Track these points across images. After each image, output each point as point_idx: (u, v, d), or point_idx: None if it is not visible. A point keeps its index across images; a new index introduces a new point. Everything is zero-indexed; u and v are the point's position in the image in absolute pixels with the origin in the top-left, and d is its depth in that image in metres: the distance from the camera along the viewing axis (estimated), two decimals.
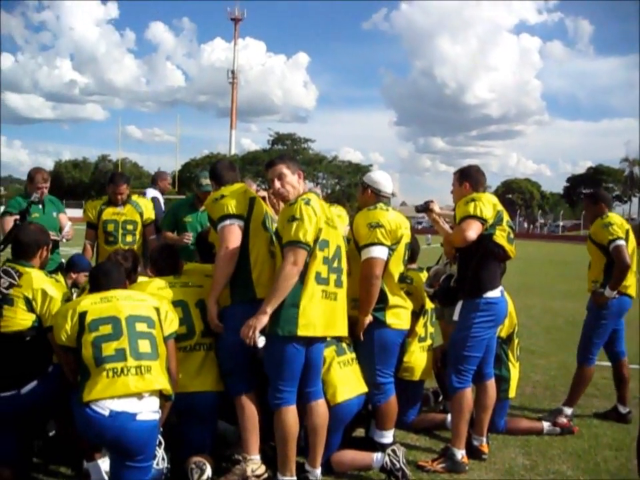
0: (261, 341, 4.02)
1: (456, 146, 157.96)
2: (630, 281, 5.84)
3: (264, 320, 4.01)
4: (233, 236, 4.25)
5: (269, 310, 4.01)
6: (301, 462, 4.44)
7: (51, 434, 4.72)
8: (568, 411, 5.95)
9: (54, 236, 6.26)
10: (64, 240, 6.50)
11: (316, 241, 4.10)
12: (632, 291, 5.91)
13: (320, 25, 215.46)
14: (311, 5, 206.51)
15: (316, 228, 4.09)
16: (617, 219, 5.87)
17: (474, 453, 4.95)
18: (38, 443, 4.60)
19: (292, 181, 4.33)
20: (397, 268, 4.76)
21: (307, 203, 4.14)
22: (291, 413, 4.20)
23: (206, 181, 6.40)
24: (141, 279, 4.87)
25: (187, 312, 4.44)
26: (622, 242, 5.69)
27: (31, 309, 4.16)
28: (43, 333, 4.15)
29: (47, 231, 4.66)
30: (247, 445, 4.35)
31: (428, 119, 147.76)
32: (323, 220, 4.17)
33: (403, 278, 4.89)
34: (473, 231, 4.62)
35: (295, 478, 4.24)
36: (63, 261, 6.42)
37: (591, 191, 6.21)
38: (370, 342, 4.71)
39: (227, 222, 4.27)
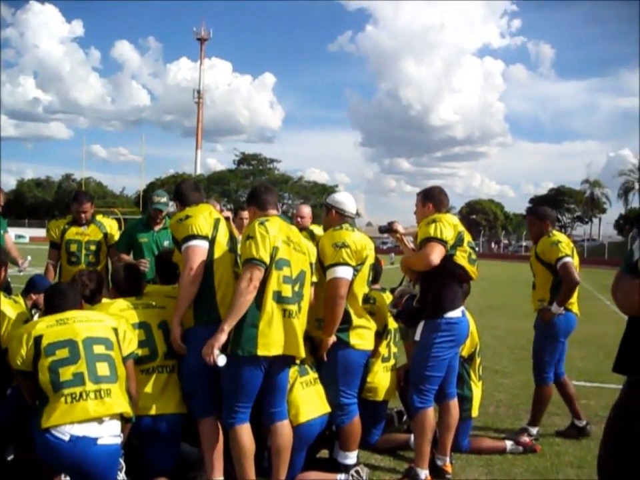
0: (221, 360, 4.00)
1: (421, 167, 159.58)
2: (574, 298, 5.89)
3: (222, 338, 4.01)
4: (197, 257, 4.23)
5: (227, 328, 4.01)
6: None
7: (9, 458, 4.62)
8: (533, 430, 5.98)
9: (22, 262, 6.26)
10: (21, 272, 6.43)
11: (272, 259, 4.11)
12: (576, 309, 5.97)
13: (286, 46, 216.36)
14: (278, 26, 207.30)
15: (269, 246, 4.10)
16: (563, 238, 5.92)
17: (437, 472, 4.94)
18: None
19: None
20: (361, 288, 4.77)
21: (261, 223, 4.20)
22: (245, 431, 4.20)
23: (158, 199, 6.41)
24: (103, 300, 4.82)
25: (150, 334, 4.39)
26: (570, 259, 5.74)
27: None
28: (1, 355, 4.07)
29: (5, 251, 4.59)
30: (211, 468, 4.31)
31: (393, 140, 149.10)
32: (279, 239, 4.18)
33: (366, 298, 4.90)
34: (436, 255, 4.64)
35: None
36: (9, 280, 6.32)
37: (535, 208, 6.21)
38: (334, 362, 4.70)
39: (192, 243, 4.24)
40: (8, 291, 5.79)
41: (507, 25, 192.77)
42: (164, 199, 6.47)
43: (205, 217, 4.35)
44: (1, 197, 6.45)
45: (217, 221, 4.41)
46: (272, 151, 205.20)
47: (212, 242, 4.31)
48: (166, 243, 6.36)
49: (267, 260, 4.09)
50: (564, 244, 5.80)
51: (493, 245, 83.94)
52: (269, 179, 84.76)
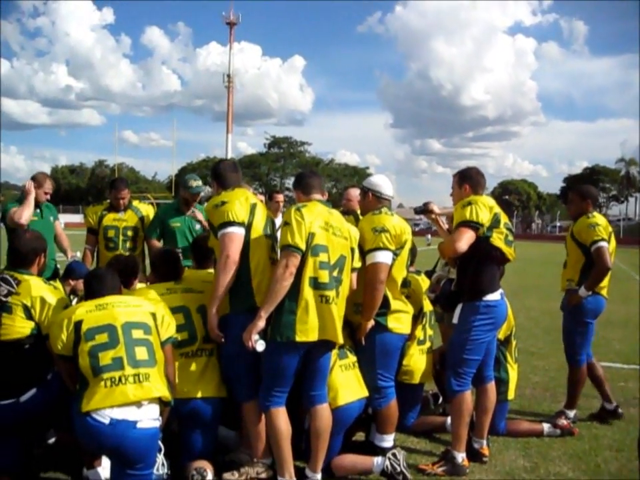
0: (260, 345, 4.04)
1: (452, 147, 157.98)
2: (605, 281, 5.81)
3: (260, 324, 4.04)
4: (234, 244, 4.23)
5: (264, 314, 4.04)
6: (301, 467, 4.45)
7: (50, 442, 4.70)
8: (570, 413, 5.94)
9: (72, 256, 6.36)
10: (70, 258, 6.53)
11: (308, 246, 4.11)
12: (605, 292, 5.88)
13: (315, 28, 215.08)
14: (306, 9, 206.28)
15: (305, 232, 4.10)
16: (602, 220, 5.82)
17: (474, 455, 4.94)
18: (38, 451, 4.59)
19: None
20: (400, 273, 4.77)
21: (298, 209, 4.20)
22: (281, 414, 4.24)
23: (196, 183, 6.44)
24: (139, 285, 4.87)
25: (189, 318, 4.42)
26: (605, 244, 5.66)
27: (29, 316, 4.16)
28: (42, 341, 4.14)
29: (43, 237, 4.65)
30: (255, 449, 4.40)
31: (424, 120, 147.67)
32: (316, 225, 4.18)
33: (404, 282, 4.89)
34: (464, 242, 4.61)
35: None
36: (59, 266, 6.43)
37: (579, 186, 6.10)
38: (372, 346, 4.71)
39: (228, 229, 4.24)
40: (56, 276, 5.92)
41: (538, 2, 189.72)
42: (200, 183, 6.52)
43: (241, 202, 4.34)
44: (49, 184, 6.52)
45: (253, 206, 4.39)
46: (302, 134, 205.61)
47: (248, 228, 4.31)
48: (198, 227, 6.40)
49: (303, 246, 4.09)
50: (601, 227, 5.71)
51: (529, 226, 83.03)
52: (300, 161, 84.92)
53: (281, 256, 4.11)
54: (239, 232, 4.26)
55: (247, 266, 4.29)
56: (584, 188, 6.25)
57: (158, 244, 6.46)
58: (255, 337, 4.02)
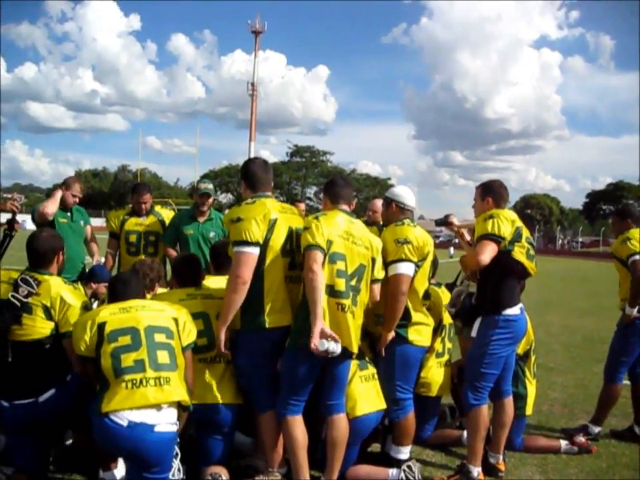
0: (323, 345, 3.98)
1: (475, 160, 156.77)
2: None
3: (319, 325, 3.99)
4: (246, 265, 4.14)
5: (316, 316, 3.99)
6: (316, 476, 4.45)
7: (67, 443, 4.74)
8: (595, 429, 5.90)
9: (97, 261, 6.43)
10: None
11: (325, 252, 4.12)
12: None
13: (340, 38, 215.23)
14: (331, 19, 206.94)
15: (323, 237, 4.11)
16: (636, 234, 5.77)
17: (490, 470, 4.91)
18: (55, 451, 4.61)
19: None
20: (421, 285, 4.77)
21: (316, 218, 4.22)
22: (297, 422, 4.25)
23: (205, 185, 6.51)
24: (160, 290, 4.90)
25: (208, 324, 4.42)
26: (638, 256, 5.62)
27: (49, 316, 4.21)
28: (60, 339, 4.19)
29: (60, 235, 4.68)
30: (270, 459, 4.40)
31: (447, 132, 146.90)
32: (334, 234, 4.18)
33: (426, 294, 4.89)
34: (487, 255, 4.59)
35: None
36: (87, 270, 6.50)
37: (618, 206, 6.06)
38: (391, 358, 4.71)
39: (242, 249, 4.15)
40: (82, 277, 5.97)
41: (564, 15, 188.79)
42: (210, 186, 6.58)
43: (259, 220, 4.20)
44: (78, 187, 6.54)
45: (273, 222, 4.25)
46: (325, 143, 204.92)
47: (265, 246, 4.22)
48: (211, 234, 6.45)
49: (324, 245, 4.09)
50: (634, 240, 5.69)
51: (550, 241, 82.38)
52: (322, 171, 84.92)
53: (305, 258, 4.11)
54: (253, 252, 4.16)
55: (261, 285, 4.22)
56: (623, 207, 6.30)
57: (172, 251, 6.50)
58: (319, 342, 3.98)
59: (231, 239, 4.30)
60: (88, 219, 6.89)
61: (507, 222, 4.70)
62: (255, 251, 4.18)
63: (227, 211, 5.00)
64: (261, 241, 4.20)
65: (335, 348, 4.00)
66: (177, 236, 6.54)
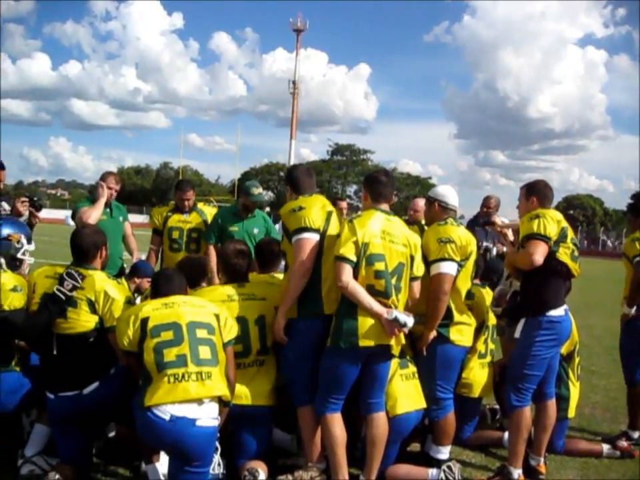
0: (403, 317, 4.09)
1: (516, 160, 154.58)
2: None
3: (378, 311, 4.13)
4: (309, 250, 4.26)
5: (371, 306, 4.12)
6: (355, 474, 4.45)
7: (110, 435, 4.81)
8: (634, 434, 5.80)
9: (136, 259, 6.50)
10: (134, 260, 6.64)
11: (361, 256, 4.13)
12: None
13: (381, 36, 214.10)
14: (373, 17, 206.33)
15: (356, 243, 4.13)
16: None
17: (531, 472, 4.86)
18: (98, 443, 4.70)
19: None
20: (464, 284, 4.75)
21: (350, 221, 4.25)
22: (336, 420, 4.27)
23: (257, 191, 6.46)
24: (204, 286, 4.93)
25: (246, 330, 4.45)
26: None
27: (93, 310, 4.26)
28: (104, 333, 4.25)
29: (102, 231, 4.72)
30: (309, 452, 4.42)
31: (488, 132, 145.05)
32: (369, 235, 4.18)
33: (468, 294, 4.87)
34: (540, 255, 4.53)
35: None
36: (125, 265, 6.58)
37: (634, 204, 5.96)
38: (432, 357, 4.70)
39: (304, 235, 4.28)
40: (122, 275, 6.03)
41: (610, 13, 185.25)
42: (261, 190, 6.57)
43: (318, 209, 4.38)
44: (113, 180, 6.49)
45: (329, 214, 4.43)
46: (365, 142, 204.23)
47: (323, 235, 4.34)
48: (255, 231, 6.45)
49: (352, 257, 4.12)
50: None
51: (594, 242, 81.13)
52: (362, 169, 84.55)
53: (334, 266, 4.17)
54: (314, 238, 4.29)
55: (318, 273, 4.32)
56: (637, 205, 6.16)
57: (213, 250, 6.48)
58: (387, 312, 4.09)
59: (291, 228, 4.35)
60: (127, 215, 6.95)
61: (552, 222, 4.64)
62: (316, 237, 4.29)
63: (267, 209, 5.01)
64: (321, 229, 4.31)
65: (407, 319, 4.08)
66: (221, 234, 6.55)
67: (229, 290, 4.61)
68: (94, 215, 6.07)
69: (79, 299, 4.26)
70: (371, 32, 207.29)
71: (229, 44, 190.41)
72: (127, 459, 4.64)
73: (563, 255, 4.67)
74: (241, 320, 4.43)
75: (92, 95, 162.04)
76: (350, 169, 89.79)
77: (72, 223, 6.42)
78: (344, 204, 7.78)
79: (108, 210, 6.49)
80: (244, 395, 4.40)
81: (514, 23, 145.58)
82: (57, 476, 4.08)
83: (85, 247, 4.44)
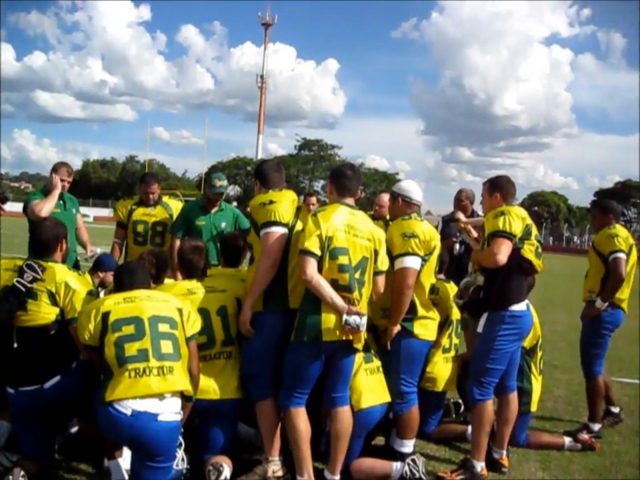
0: (357, 320, 4.08)
1: (483, 157, 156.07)
2: (625, 294, 5.85)
3: (340, 306, 4.09)
4: (277, 243, 4.26)
5: (333, 300, 4.08)
6: (320, 468, 4.45)
7: (72, 431, 4.77)
8: (595, 427, 5.90)
9: (91, 250, 6.41)
10: (86, 259, 6.53)
11: (325, 249, 4.13)
12: (625, 306, 5.90)
13: (350, 32, 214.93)
14: (341, 13, 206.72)
15: (320, 237, 4.13)
16: (623, 232, 5.82)
17: (494, 465, 4.91)
18: (60, 439, 4.65)
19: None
20: (428, 279, 4.78)
21: (314, 214, 4.25)
22: (300, 414, 4.26)
23: (220, 183, 6.40)
24: (166, 280, 4.91)
25: (208, 321, 4.43)
26: (622, 255, 5.68)
27: (54, 302, 4.23)
28: (67, 327, 4.21)
29: (63, 223, 4.68)
30: (268, 447, 4.40)
31: (455, 128, 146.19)
32: (333, 228, 4.18)
33: (432, 289, 4.90)
34: (504, 254, 4.56)
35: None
36: (79, 258, 6.48)
37: (600, 200, 6.14)
38: (397, 351, 4.73)
39: (273, 229, 4.27)
40: (76, 268, 5.93)
41: (576, 13, 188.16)
42: (224, 183, 6.50)
43: (288, 204, 4.38)
44: (65, 171, 6.30)
45: (298, 209, 4.45)
46: (333, 137, 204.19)
47: (291, 230, 4.34)
48: (223, 225, 6.39)
49: (317, 251, 4.11)
50: (621, 238, 5.73)
51: (559, 239, 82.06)
52: (330, 165, 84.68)
53: (299, 260, 4.17)
54: (283, 232, 4.29)
55: (285, 267, 4.32)
56: (604, 203, 6.31)
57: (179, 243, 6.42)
58: (344, 318, 4.06)
59: (259, 222, 4.34)
60: (78, 207, 6.82)
61: (517, 219, 4.68)
62: (284, 231, 4.30)
63: (234, 203, 4.99)
64: (290, 223, 4.32)
65: (359, 321, 4.07)
66: (187, 227, 6.47)
67: (189, 284, 4.60)
68: (47, 207, 5.92)
69: (39, 290, 4.22)
70: (340, 27, 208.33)
71: (197, 37, 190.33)
72: (89, 454, 4.59)
73: (527, 251, 4.72)
74: (202, 311, 4.41)
75: (57, 87, 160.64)
76: (317, 164, 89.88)
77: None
78: (314, 199, 7.76)
79: (61, 202, 6.34)
80: (212, 389, 4.38)
81: (481, 21, 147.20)
82: (22, 472, 4.02)
83: (46, 240, 4.40)
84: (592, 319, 5.87)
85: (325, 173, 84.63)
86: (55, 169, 6.28)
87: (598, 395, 5.99)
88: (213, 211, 6.49)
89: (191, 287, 4.57)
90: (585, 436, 5.55)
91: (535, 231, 4.81)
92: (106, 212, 56.78)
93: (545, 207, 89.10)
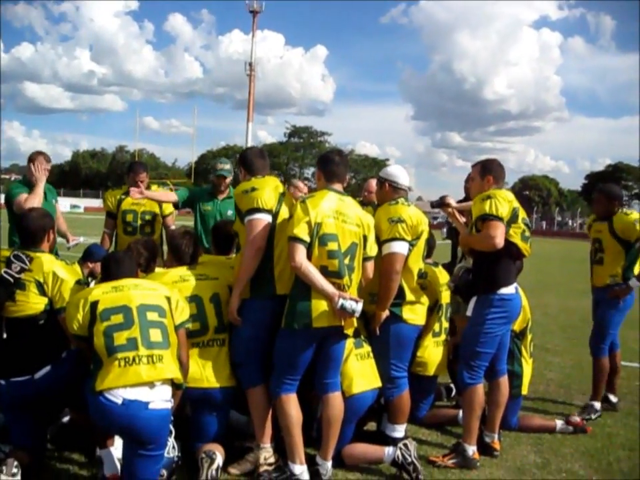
0: (353, 305, 4.09)
1: (473, 141, 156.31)
2: None
3: (331, 293, 4.10)
4: (261, 230, 4.26)
5: (323, 287, 4.09)
6: (312, 454, 4.46)
7: (64, 421, 4.76)
8: (597, 405, 6.00)
9: (73, 240, 6.35)
10: (68, 249, 6.48)
11: (314, 236, 4.13)
12: None
13: (338, 18, 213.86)
14: None
15: (309, 224, 4.12)
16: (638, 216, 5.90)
17: (485, 449, 4.94)
18: (51, 429, 4.64)
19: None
20: (416, 264, 4.77)
21: (303, 201, 4.24)
22: (292, 400, 4.27)
23: (221, 166, 6.44)
24: (157, 269, 4.89)
25: (201, 308, 4.44)
26: None
27: (42, 292, 4.22)
28: (56, 317, 4.21)
29: (50, 214, 4.68)
30: (260, 434, 4.41)
31: (445, 113, 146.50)
32: (322, 214, 4.18)
33: (420, 274, 4.89)
34: (500, 237, 4.55)
35: (305, 466, 4.26)
36: (57, 248, 6.43)
37: (604, 186, 6.14)
38: (386, 336, 4.72)
39: (256, 216, 4.27)
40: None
41: None
42: (227, 166, 6.50)
43: (271, 190, 4.37)
44: (43, 159, 6.09)
45: (281, 195, 4.44)
46: (323, 124, 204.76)
47: (275, 216, 4.34)
48: (229, 213, 6.36)
49: (306, 238, 4.11)
50: None
51: (551, 222, 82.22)
52: (319, 151, 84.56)
53: (288, 247, 4.17)
54: (267, 219, 4.29)
55: (271, 253, 4.32)
56: (610, 188, 6.28)
57: (156, 194, 6.53)
58: (338, 303, 4.06)
59: (243, 209, 4.34)
60: (56, 196, 6.70)
61: (504, 202, 4.66)
62: (268, 217, 4.29)
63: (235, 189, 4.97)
64: (273, 210, 4.32)
65: (355, 306, 4.08)
66: (192, 204, 6.53)
67: (181, 271, 4.59)
68: (33, 201, 5.77)
69: (27, 281, 4.22)
70: (328, 14, 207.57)
71: (185, 25, 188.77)
72: (81, 444, 4.58)
73: (514, 235, 4.71)
74: (195, 298, 4.42)
75: (45, 78, 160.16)
76: (307, 151, 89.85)
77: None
78: (304, 188, 7.74)
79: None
80: (205, 377, 4.38)
81: (470, 6, 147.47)
82: (15, 462, 4.01)
83: (33, 230, 4.39)
84: (618, 299, 5.94)
85: (314, 160, 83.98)
86: (32, 159, 6.08)
87: (603, 374, 6.09)
88: (221, 197, 6.50)
89: (183, 274, 4.56)
90: (576, 418, 5.59)
91: (522, 214, 4.80)
92: (96, 202, 56.55)
93: (536, 191, 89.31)
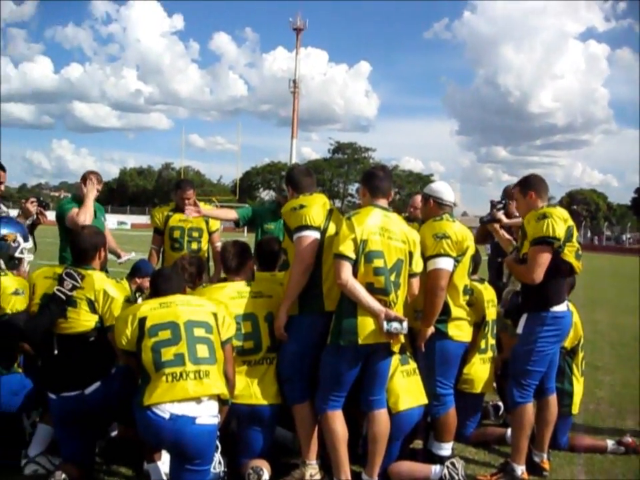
0: (397, 326, 4.09)
1: (519, 155, 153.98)
2: None
3: (378, 310, 4.10)
4: (309, 247, 4.28)
5: (370, 305, 4.10)
6: (358, 471, 4.44)
7: (112, 435, 4.82)
8: None
9: (124, 255, 6.44)
10: (119, 263, 6.56)
11: (360, 253, 4.13)
12: None
13: (382, 34, 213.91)
14: (372, 15, 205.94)
15: (353, 240, 4.13)
16: None
17: (534, 469, 4.84)
18: (100, 443, 4.70)
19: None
20: (461, 280, 4.74)
21: (348, 218, 4.25)
22: (337, 417, 4.27)
23: None
24: (217, 284, 4.91)
25: (256, 326, 4.48)
26: None
27: (93, 310, 4.29)
28: (106, 334, 4.27)
29: (102, 232, 4.77)
30: (305, 451, 4.40)
31: (490, 128, 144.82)
32: (368, 231, 4.18)
33: (466, 290, 4.85)
34: (541, 271, 4.51)
35: None
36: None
37: None
38: (431, 353, 4.69)
39: (305, 233, 4.30)
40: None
41: (611, 7, 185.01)
42: None
43: (319, 207, 4.40)
44: (97, 180, 6.23)
45: (330, 212, 4.46)
46: (367, 140, 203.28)
47: (323, 233, 4.35)
48: None
49: (352, 255, 4.12)
50: None
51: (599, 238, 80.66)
52: (364, 167, 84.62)
53: (334, 264, 4.18)
54: (315, 235, 4.31)
55: (320, 270, 4.34)
56: None
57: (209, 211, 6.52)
58: (384, 324, 4.06)
59: (292, 226, 4.37)
60: (105, 214, 6.78)
61: (560, 222, 4.58)
62: (317, 234, 4.32)
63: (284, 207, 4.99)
64: (322, 227, 4.34)
65: (400, 328, 4.07)
66: (254, 222, 6.58)
67: (239, 286, 4.62)
68: (85, 216, 5.86)
69: (79, 298, 4.29)
70: (371, 30, 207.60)
71: (229, 44, 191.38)
72: (129, 458, 4.63)
73: (568, 254, 4.63)
74: (250, 316, 4.47)
75: (93, 97, 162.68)
76: (351, 167, 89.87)
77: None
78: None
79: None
80: (252, 393, 4.41)
81: (514, 19, 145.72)
82: (63, 475, 4.08)
83: (84, 248, 4.48)
84: None
85: (359, 176, 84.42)
86: (85, 177, 6.23)
87: None
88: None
89: (241, 290, 4.60)
90: (628, 439, 5.43)
91: (576, 232, 4.73)
92: (143, 219, 57.38)
93: (584, 206, 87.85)
